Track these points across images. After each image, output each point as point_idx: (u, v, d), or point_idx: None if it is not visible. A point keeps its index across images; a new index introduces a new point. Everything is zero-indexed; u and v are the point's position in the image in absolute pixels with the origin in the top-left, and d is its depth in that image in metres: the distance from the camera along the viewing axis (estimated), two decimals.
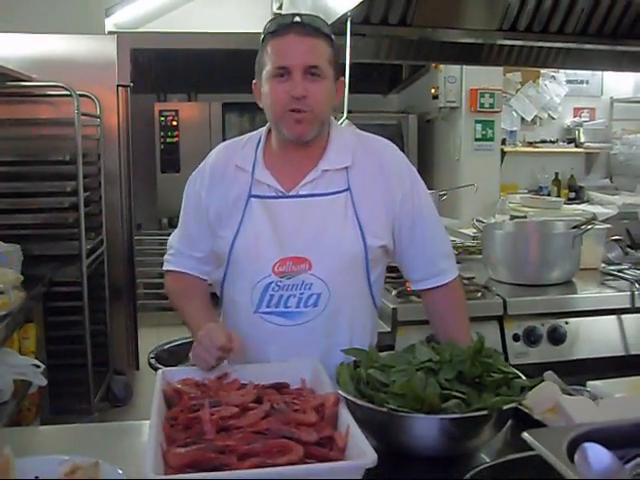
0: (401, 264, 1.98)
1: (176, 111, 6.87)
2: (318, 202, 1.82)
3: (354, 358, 1.62)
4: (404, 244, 1.90)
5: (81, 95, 4.23)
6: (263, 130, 1.93)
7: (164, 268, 2.03)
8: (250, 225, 1.82)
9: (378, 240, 1.84)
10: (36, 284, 3.67)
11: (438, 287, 1.95)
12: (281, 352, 1.79)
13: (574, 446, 0.93)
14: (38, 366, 3.22)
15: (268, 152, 1.89)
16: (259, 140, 1.91)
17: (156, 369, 3.75)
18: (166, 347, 4.06)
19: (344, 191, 1.83)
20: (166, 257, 2.02)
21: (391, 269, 2.14)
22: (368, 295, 1.90)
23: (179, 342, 4.16)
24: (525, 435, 1.00)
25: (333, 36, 1.82)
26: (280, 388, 1.52)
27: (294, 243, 1.79)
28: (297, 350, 1.78)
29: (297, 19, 1.76)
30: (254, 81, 1.86)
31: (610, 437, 0.97)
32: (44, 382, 3.28)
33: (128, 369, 4.99)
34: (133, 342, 5.16)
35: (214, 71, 6.79)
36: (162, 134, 6.85)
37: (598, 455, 0.92)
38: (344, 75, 2.97)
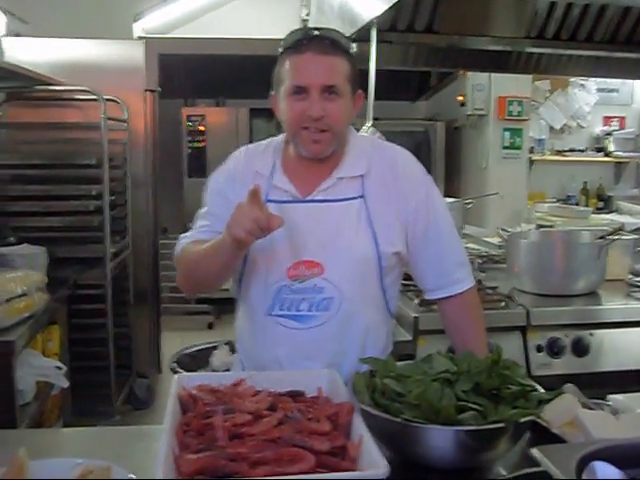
0: (414, 273, 1.97)
1: (203, 116, 6.92)
2: (332, 208, 1.83)
3: (370, 367, 1.60)
4: (418, 252, 1.90)
5: (108, 99, 4.28)
6: (281, 137, 1.93)
7: (180, 245, 1.92)
8: None
9: (392, 247, 1.84)
10: (61, 286, 3.70)
11: (453, 296, 1.93)
12: (293, 355, 1.81)
13: (584, 464, 0.91)
14: (60, 368, 3.25)
15: (286, 159, 1.90)
16: (278, 146, 1.92)
17: (177, 373, 3.77)
18: (187, 352, 4.07)
19: (358, 198, 1.83)
20: (181, 239, 1.94)
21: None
22: (382, 300, 1.90)
23: (200, 347, 4.17)
24: (534, 451, 0.98)
25: (353, 47, 1.82)
26: (295, 396, 1.50)
27: (308, 247, 1.80)
28: (309, 353, 1.80)
29: (316, 33, 1.77)
30: (272, 92, 1.86)
31: (621, 456, 0.95)
32: (66, 384, 3.31)
33: (151, 372, 5.02)
34: (156, 346, 5.19)
35: (242, 77, 6.82)
36: (189, 139, 6.91)
37: (607, 474, 0.90)
38: (366, 85, 2.97)
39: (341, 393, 1.49)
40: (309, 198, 1.83)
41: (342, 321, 1.81)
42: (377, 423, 1.38)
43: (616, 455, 0.93)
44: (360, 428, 1.33)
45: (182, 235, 1.96)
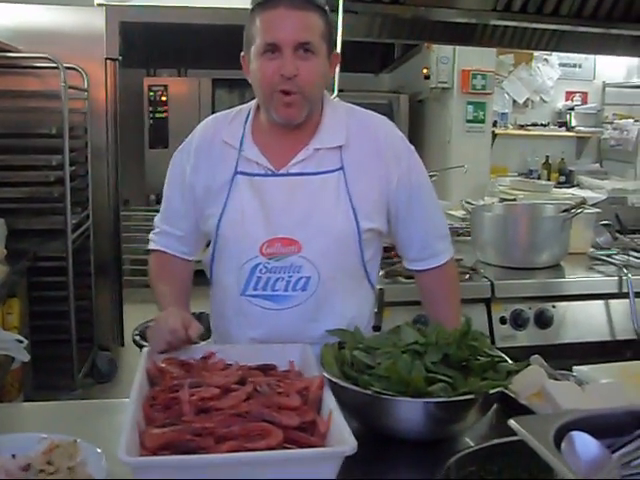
0: (396, 242, 1.92)
1: (165, 86, 6.82)
2: (309, 181, 1.74)
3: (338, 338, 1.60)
4: (400, 224, 1.84)
5: (68, 68, 4.19)
6: (252, 104, 1.84)
7: (149, 247, 1.96)
8: (236, 203, 1.75)
9: (370, 222, 1.77)
10: (20, 259, 3.64)
11: (432, 268, 1.90)
12: (268, 337, 1.73)
13: (561, 434, 0.91)
14: (21, 341, 3.18)
15: (257, 128, 1.80)
16: (248, 114, 1.82)
17: (140, 346, 3.76)
18: (151, 324, 4.04)
19: (337, 170, 1.75)
20: (150, 236, 1.96)
21: None
22: (363, 276, 1.84)
23: None
24: (511, 422, 0.97)
25: (327, 8, 1.72)
26: (266, 370, 1.48)
27: (283, 223, 1.72)
28: (285, 335, 1.71)
29: None
30: (242, 54, 1.76)
31: (597, 425, 0.95)
32: (27, 358, 3.21)
33: (113, 345, 4.97)
34: (118, 318, 5.14)
35: (204, 47, 6.72)
36: (151, 109, 6.81)
37: (586, 444, 0.90)
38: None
39: (313, 367, 1.48)
40: (283, 171, 1.74)
41: (320, 301, 1.74)
42: (346, 395, 1.38)
43: (591, 425, 0.94)
44: (330, 403, 1.31)
45: (154, 224, 1.95)
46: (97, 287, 4.77)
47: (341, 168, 1.75)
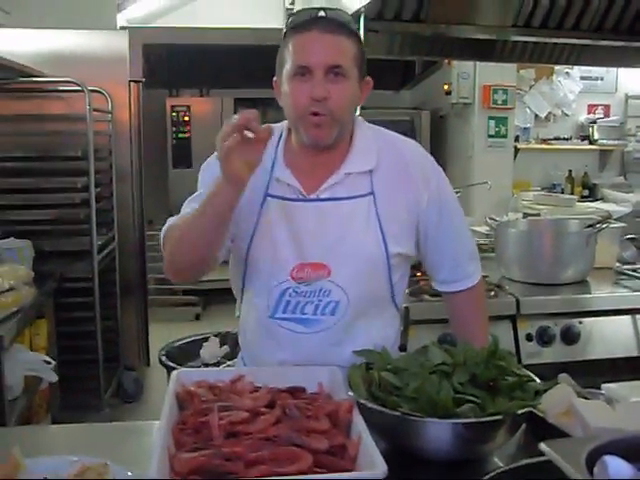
0: (426, 264, 1.92)
1: (188, 106, 6.90)
2: (340, 206, 1.74)
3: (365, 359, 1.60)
4: (430, 244, 1.84)
5: (92, 91, 4.23)
6: (284, 125, 1.81)
7: (162, 233, 1.77)
8: (267, 227, 1.74)
9: (398, 247, 1.76)
10: (47, 280, 3.67)
11: (463, 290, 1.91)
12: (297, 359, 1.72)
13: (593, 458, 0.91)
14: (49, 362, 3.22)
15: (289, 150, 1.78)
16: (280, 136, 1.80)
17: (166, 366, 3.78)
18: (176, 344, 4.07)
19: (367, 195, 1.75)
20: (162, 231, 1.79)
21: None
22: (390, 299, 1.83)
23: (189, 339, 4.17)
24: (542, 446, 0.97)
25: (360, 34, 1.72)
26: (295, 392, 1.47)
27: (313, 249, 1.72)
28: (313, 358, 1.71)
29: (322, 14, 1.65)
30: (274, 78, 1.76)
31: (630, 449, 0.94)
32: (55, 378, 3.29)
33: (139, 365, 5.00)
34: (144, 338, 5.17)
35: (226, 66, 6.79)
36: (174, 129, 6.89)
37: (619, 469, 0.90)
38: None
39: (342, 390, 1.47)
40: (314, 196, 1.73)
41: (348, 325, 1.75)
42: (375, 417, 1.38)
43: (623, 449, 0.93)
44: (360, 426, 1.31)
45: (169, 219, 1.81)
46: (123, 307, 4.79)
47: (371, 193, 1.75)
